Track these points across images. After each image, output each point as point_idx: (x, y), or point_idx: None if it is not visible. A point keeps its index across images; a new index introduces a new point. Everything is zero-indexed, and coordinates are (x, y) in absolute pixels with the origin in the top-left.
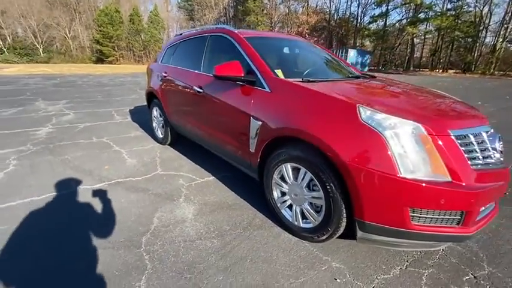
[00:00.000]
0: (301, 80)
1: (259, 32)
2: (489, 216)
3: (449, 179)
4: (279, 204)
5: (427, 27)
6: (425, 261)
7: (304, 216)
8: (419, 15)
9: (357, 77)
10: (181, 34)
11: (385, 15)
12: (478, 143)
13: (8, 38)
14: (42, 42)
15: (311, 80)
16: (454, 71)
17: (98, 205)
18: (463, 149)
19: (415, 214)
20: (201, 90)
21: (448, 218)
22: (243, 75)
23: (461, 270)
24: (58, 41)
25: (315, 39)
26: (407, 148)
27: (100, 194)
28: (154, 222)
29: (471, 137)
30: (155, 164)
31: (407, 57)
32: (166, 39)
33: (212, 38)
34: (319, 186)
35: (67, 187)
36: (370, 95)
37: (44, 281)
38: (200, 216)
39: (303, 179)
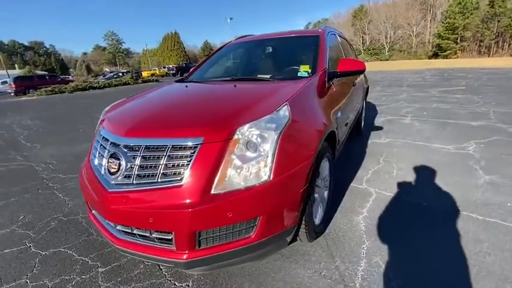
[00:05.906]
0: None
1: (257, 36)
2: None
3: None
4: None
5: None
6: None
7: None
8: None
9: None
10: None
11: None
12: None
13: (367, 41)
14: (389, 42)
15: (195, 80)
16: None
17: None
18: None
19: None
20: None
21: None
22: None
23: None
24: (401, 39)
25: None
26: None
27: None
28: None
29: (105, 140)
30: None
31: None
32: None
33: None
34: None
35: None
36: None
37: None
38: None
39: None
